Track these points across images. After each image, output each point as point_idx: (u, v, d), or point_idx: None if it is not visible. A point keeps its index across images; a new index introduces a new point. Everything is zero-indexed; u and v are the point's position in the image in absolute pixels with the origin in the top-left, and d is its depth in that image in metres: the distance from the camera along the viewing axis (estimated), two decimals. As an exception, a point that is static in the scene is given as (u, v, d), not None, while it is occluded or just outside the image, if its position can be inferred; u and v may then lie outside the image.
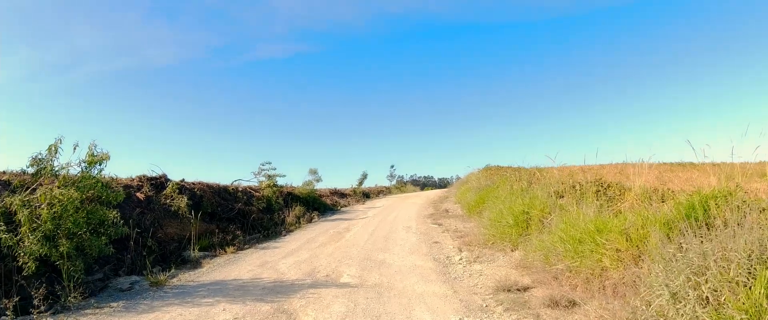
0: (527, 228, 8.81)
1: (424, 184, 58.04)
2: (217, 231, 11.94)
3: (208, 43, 58.75)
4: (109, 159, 6.62)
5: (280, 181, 18.07)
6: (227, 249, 10.16)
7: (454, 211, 17.53)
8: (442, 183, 64.47)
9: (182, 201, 10.83)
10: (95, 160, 6.47)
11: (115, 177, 6.91)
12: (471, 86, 73.90)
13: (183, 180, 13.29)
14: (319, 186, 23.40)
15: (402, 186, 44.47)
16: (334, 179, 48.85)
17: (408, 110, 76.52)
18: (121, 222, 6.91)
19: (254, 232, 13.06)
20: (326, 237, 12.16)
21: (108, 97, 53.94)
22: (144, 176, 11.88)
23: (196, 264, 8.99)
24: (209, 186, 14.05)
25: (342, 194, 27.48)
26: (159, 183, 11.86)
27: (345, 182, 36.99)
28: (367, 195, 30.55)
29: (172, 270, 8.13)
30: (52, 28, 47.46)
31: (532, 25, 64.81)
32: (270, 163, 17.13)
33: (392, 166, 47.74)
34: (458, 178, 66.13)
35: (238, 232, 11.93)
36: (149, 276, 7.22)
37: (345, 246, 10.23)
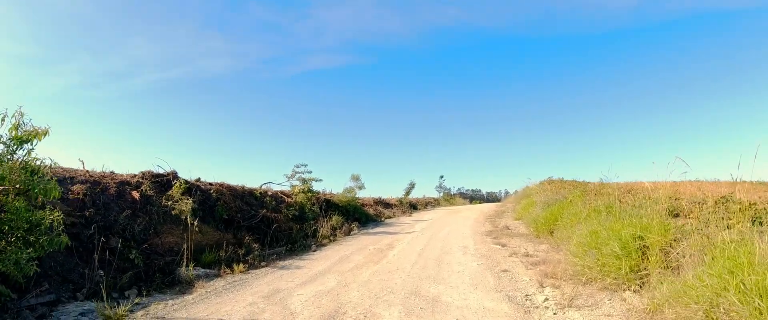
0: (643, 259, 6.12)
1: (472, 197, 55.12)
2: (231, 242, 9.86)
3: (259, 55, 59.26)
4: (47, 135, 4.54)
5: (318, 187, 15.96)
6: (235, 268, 7.99)
7: (516, 229, 14.76)
8: (491, 197, 61.66)
9: (186, 204, 8.78)
10: (25, 137, 4.40)
11: (52, 164, 4.76)
12: (518, 100, 70.80)
13: (198, 179, 11.35)
14: (361, 194, 21.16)
15: (450, 198, 41.63)
16: (379, 189, 46.83)
17: (455, 122, 74.19)
18: (62, 228, 4.79)
19: (278, 245, 10.88)
20: (364, 255, 9.79)
21: (162, 105, 55.21)
22: (148, 172, 9.98)
23: (186, 287, 6.84)
24: (230, 189, 12.04)
25: (387, 204, 25.13)
26: (165, 181, 9.92)
27: (391, 192, 34.73)
28: (414, 207, 28.05)
29: (150, 295, 5.98)
30: (110, 37, 48.90)
31: (579, 38, 61.29)
32: (306, 166, 15.06)
33: (441, 177, 44.94)
34: (508, 192, 63.03)
35: (255, 245, 9.75)
36: (107, 305, 5.07)
37: (386, 271, 7.82)
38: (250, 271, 8.12)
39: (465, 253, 9.81)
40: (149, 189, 9.31)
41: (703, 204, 7.17)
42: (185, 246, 7.91)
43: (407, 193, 29.66)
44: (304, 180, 14.83)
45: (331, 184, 24.24)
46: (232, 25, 59.24)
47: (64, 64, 45.34)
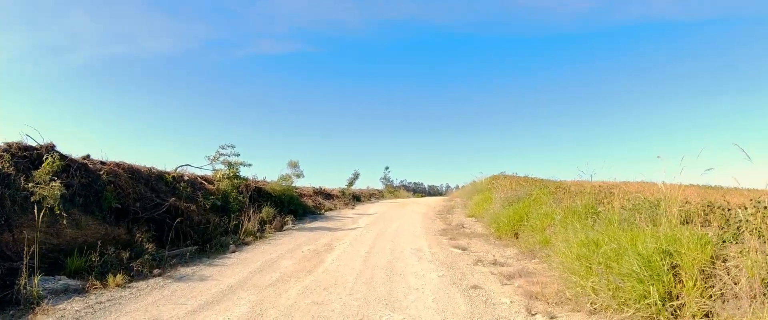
0: (675, 284, 4.51)
1: (414, 190, 54.28)
2: (121, 239, 7.53)
3: (206, 36, 55.29)
4: None
5: (248, 172, 13.63)
6: (109, 281, 5.70)
7: (472, 227, 13.22)
8: (432, 191, 61.41)
9: (51, 190, 6.36)
10: None
11: None
12: (462, 96, 71.02)
13: (87, 156, 8.82)
14: (300, 183, 18.98)
15: (394, 190, 40.08)
16: (320, 179, 44.57)
17: (400, 116, 73.47)
18: None
19: (186, 243, 8.62)
20: (295, 260, 7.75)
21: (102, 83, 50.28)
22: (14, 144, 7.43)
23: (22, 312, 4.55)
24: (131, 170, 9.56)
25: (328, 195, 23.04)
26: (35, 156, 7.39)
27: (333, 182, 32.65)
28: (357, 198, 26.13)
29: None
30: (50, 10, 43.50)
31: (526, 41, 62.08)
32: (233, 147, 12.67)
33: (387, 168, 43.21)
34: (449, 187, 63.05)
35: (150, 245, 7.45)
36: None
37: (321, 288, 5.83)
38: (131, 284, 5.87)
39: (420, 259, 8.00)
40: (9, 166, 6.80)
41: (727, 209, 5.70)
42: (34, 248, 5.52)
43: (350, 184, 27.65)
44: (230, 164, 12.47)
45: (267, 172, 21.93)
46: (177, 4, 54.70)
47: (2, 36, 40.02)
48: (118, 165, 9.45)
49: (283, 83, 65.52)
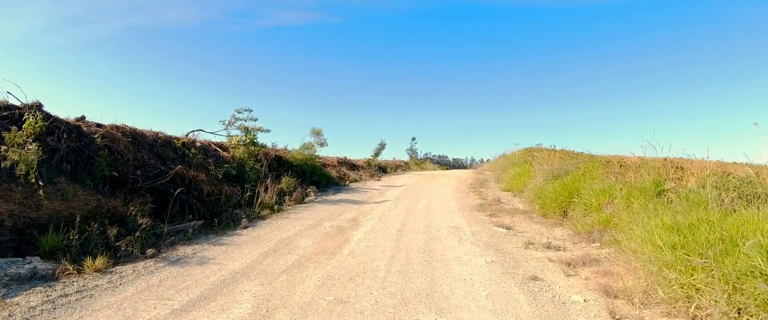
0: None
1: (439, 163, 52.98)
2: (116, 212, 6.55)
3: (225, 6, 54.05)
4: None
5: (266, 139, 12.56)
6: (87, 265, 4.66)
7: (510, 203, 11.92)
8: (457, 164, 60.09)
9: (25, 154, 5.34)
10: None
11: None
12: (488, 69, 68.33)
13: (82, 118, 7.84)
14: (324, 152, 17.88)
15: (421, 162, 38.81)
16: (345, 149, 43.64)
17: (424, 88, 71.50)
18: None
19: (190, 217, 7.62)
20: (315, 239, 6.65)
21: (123, 54, 50.09)
22: (-2, 102, 6.47)
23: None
24: (133, 135, 8.56)
25: (353, 165, 21.94)
26: (17, 116, 6.40)
27: (358, 153, 31.55)
28: (383, 170, 24.99)
29: None
30: None
31: (557, 10, 58.56)
32: (250, 111, 11.55)
33: (413, 139, 41.85)
34: (474, 160, 61.60)
35: (144, 220, 6.40)
36: None
37: (346, 277, 4.70)
38: (115, 268, 4.85)
39: (461, 240, 6.80)
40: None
41: None
42: (34, 218, 4.51)
43: (376, 154, 26.40)
44: (246, 130, 11.38)
45: (289, 141, 20.93)
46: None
47: (25, 7, 39.93)
48: (117, 128, 8.44)
49: (305, 54, 64.16)
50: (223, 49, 58.95)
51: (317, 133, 16.31)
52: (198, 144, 10.65)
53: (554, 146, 19.54)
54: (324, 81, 66.96)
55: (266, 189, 9.87)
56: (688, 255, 4.21)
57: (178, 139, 9.99)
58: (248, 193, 9.23)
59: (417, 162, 36.86)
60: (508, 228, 8.00)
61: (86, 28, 44.27)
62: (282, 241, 6.41)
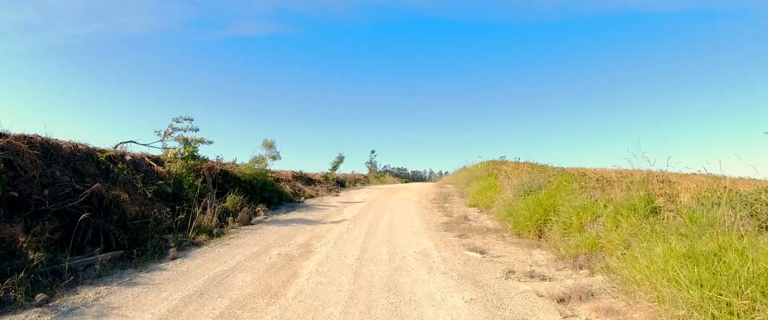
0: None
1: (398, 175, 52.33)
2: (13, 241, 5.17)
3: (184, 15, 51.77)
4: None
5: (210, 152, 11.25)
6: None
7: (478, 220, 11.11)
8: (416, 177, 59.68)
9: None
10: None
11: None
12: (446, 84, 68.93)
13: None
14: (277, 166, 16.62)
15: (380, 175, 37.83)
16: (301, 164, 42.05)
17: (383, 101, 71.19)
18: None
19: (108, 247, 6.28)
20: (257, 274, 5.48)
21: (77, 63, 46.78)
22: None
23: None
24: (45, 147, 7.18)
25: (309, 180, 20.68)
26: None
27: (315, 168, 30.19)
28: (341, 184, 23.84)
29: None
30: None
31: (513, 27, 59.88)
32: (191, 121, 10.21)
33: (373, 152, 40.66)
34: (433, 172, 61.43)
35: (36, 255, 5.03)
36: None
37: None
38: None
39: (431, 270, 5.82)
40: None
41: None
42: None
43: (334, 168, 25.19)
44: (186, 141, 10.03)
45: (241, 154, 19.53)
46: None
47: None
48: (24, 138, 7.03)
49: (264, 66, 62.40)
50: (179, 59, 56.44)
51: (269, 146, 15.05)
52: (128, 157, 9.24)
53: (518, 158, 19.02)
54: (281, 93, 65.27)
55: (206, 209, 8.56)
56: (721, 295, 3.37)
57: (102, 151, 8.57)
58: (182, 215, 7.91)
59: (376, 176, 35.88)
60: (482, 252, 7.08)
61: (39, 35, 41.26)
62: (214, 278, 5.20)
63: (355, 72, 67.50)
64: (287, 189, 15.78)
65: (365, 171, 36.85)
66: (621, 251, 5.78)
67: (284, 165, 18.94)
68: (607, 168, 10.93)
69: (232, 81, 61.17)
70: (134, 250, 6.24)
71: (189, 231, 7.56)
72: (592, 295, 4.88)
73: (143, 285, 4.91)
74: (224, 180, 11.80)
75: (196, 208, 8.39)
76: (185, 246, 7.07)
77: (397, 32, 62.28)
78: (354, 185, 26.03)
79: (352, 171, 31.95)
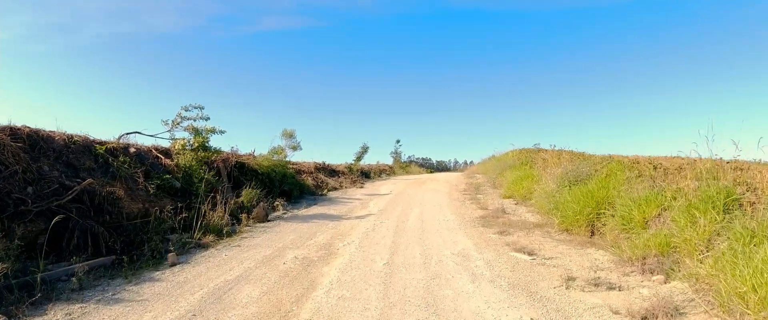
0: None
1: (423, 166, 51.32)
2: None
3: (211, 12, 52.06)
4: None
5: (224, 143, 10.42)
6: None
7: (517, 213, 10.04)
8: (440, 167, 58.74)
9: None
10: None
11: None
12: (470, 73, 67.50)
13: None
14: (299, 157, 15.81)
15: (405, 165, 36.77)
16: (325, 156, 41.44)
17: (408, 91, 70.29)
18: None
19: (96, 252, 5.47)
20: (267, 285, 4.56)
21: (107, 62, 47.71)
22: None
23: None
24: (33, 138, 6.43)
25: (332, 171, 19.82)
26: None
27: (339, 159, 29.31)
28: (366, 175, 22.92)
29: None
30: None
31: (538, 15, 57.95)
32: (201, 109, 9.39)
33: (398, 141, 39.46)
34: (457, 162, 60.23)
35: (3, 265, 4.22)
36: None
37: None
38: None
39: (475, 278, 4.82)
40: None
41: None
42: None
43: (359, 158, 24.22)
44: (195, 131, 9.21)
45: (261, 147, 18.84)
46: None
47: (8, 17, 37.50)
48: (8, 129, 6.28)
49: (290, 60, 62.17)
50: (207, 55, 56.72)
51: (289, 136, 14.21)
52: (132, 150, 8.48)
53: (554, 146, 17.73)
54: (307, 87, 65.04)
55: (216, 205, 7.71)
56: None
57: (102, 143, 7.81)
58: (187, 213, 7.08)
59: (402, 166, 34.85)
60: (530, 253, 6.04)
61: (70, 37, 41.95)
62: (215, 292, 4.30)
63: (379, 63, 66.76)
64: (309, 181, 14.93)
65: (390, 161, 35.89)
66: (701, 253, 4.72)
67: (307, 156, 18.18)
68: (660, 155, 9.65)
69: (258, 76, 61.20)
70: (125, 256, 5.40)
71: (194, 231, 6.71)
72: (680, 313, 3.83)
73: (127, 302, 4.05)
74: (240, 172, 10.99)
75: (206, 205, 7.55)
76: (190, 248, 6.22)
77: (422, 22, 61.10)
78: (379, 176, 25.09)
79: (377, 162, 31.04)
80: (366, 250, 6.12)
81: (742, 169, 6.51)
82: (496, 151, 23.29)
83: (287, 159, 13.66)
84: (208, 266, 5.33)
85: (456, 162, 64.23)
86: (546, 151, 16.80)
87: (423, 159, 60.26)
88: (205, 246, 6.38)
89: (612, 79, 60.04)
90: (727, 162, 6.64)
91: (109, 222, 6.11)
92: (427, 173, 33.78)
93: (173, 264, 5.37)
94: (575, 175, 9.29)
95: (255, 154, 12.91)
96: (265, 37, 58.55)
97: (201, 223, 6.94)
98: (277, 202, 10.45)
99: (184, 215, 6.91)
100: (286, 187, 12.26)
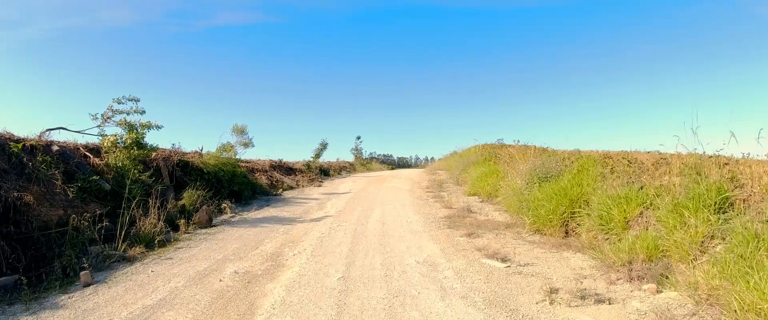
0: None
1: (385, 162, 50.89)
2: None
3: (167, 7, 49.62)
4: None
5: (164, 140, 9.36)
6: None
7: (484, 212, 9.53)
8: (402, 163, 58.61)
9: None
10: None
11: None
12: (428, 70, 67.89)
13: None
14: (251, 154, 14.78)
15: (366, 162, 36.03)
16: (283, 153, 40.22)
17: (367, 88, 69.98)
18: None
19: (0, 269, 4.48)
20: (191, 316, 3.73)
21: (56, 58, 44.40)
22: None
23: None
24: None
25: (289, 169, 18.83)
26: None
27: (297, 157, 28.24)
28: (325, 172, 22.02)
29: None
30: None
31: (492, 13, 58.83)
32: (136, 102, 8.31)
33: (358, 138, 38.77)
34: (419, 158, 60.27)
35: None
36: None
37: None
38: None
39: (444, 292, 4.15)
40: None
41: None
42: None
43: (317, 155, 23.31)
44: (130, 126, 8.15)
45: (208, 144, 17.69)
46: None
47: None
48: None
49: (246, 56, 60.30)
50: (160, 51, 54.13)
51: (240, 132, 13.18)
52: (55, 148, 7.37)
53: (518, 141, 17.39)
54: (264, 83, 63.29)
55: (147, 211, 6.72)
56: None
57: (18, 141, 6.70)
58: (118, 219, 6.08)
59: (363, 163, 34.11)
60: (504, 260, 5.44)
61: (16, 32, 38.79)
62: (126, 323, 3.45)
63: (337, 59, 65.93)
64: (263, 180, 13.95)
65: (351, 158, 35.12)
66: (695, 258, 4.25)
67: (263, 154, 17.10)
68: (636, 150, 9.29)
69: (213, 72, 59.20)
70: (29, 276, 4.42)
71: (118, 241, 5.74)
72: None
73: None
74: (184, 172, 9.95)
75: (137, 210, 6.56)
76: (112, 262, 5.27)
77: (378, 19, 60.65)
78: (339, 173, 24.25)
79: (337, 159, 30.15)
80: (319, 261, 5.35)
81: (727, 164, 6.13)
82: (457, 147, 22.93)
83: (238, 157, 12.65)
84: (128, 286, 4.42)
85: (417, 158, 64.14)
86: (510, 146, 16.41)
87: (384, 155, 59.73)
88: (130, 260, 5.43)
89: (578, 74, 61.45)
90: (710, 157, 6.24)
91: (15, 234, 5.09)
92: (389, 170, 33.20)
93: (87, 285, 4.44)
94: (544, 172, 8.81)
95: (202, 151, 11.84)
96: (221, 33, 56.56)
97: (129, 232, 5.97)
98: (224, 204, 9.49)
99: (106, 223, 5.90)
100: (235, 188, 11.28)
